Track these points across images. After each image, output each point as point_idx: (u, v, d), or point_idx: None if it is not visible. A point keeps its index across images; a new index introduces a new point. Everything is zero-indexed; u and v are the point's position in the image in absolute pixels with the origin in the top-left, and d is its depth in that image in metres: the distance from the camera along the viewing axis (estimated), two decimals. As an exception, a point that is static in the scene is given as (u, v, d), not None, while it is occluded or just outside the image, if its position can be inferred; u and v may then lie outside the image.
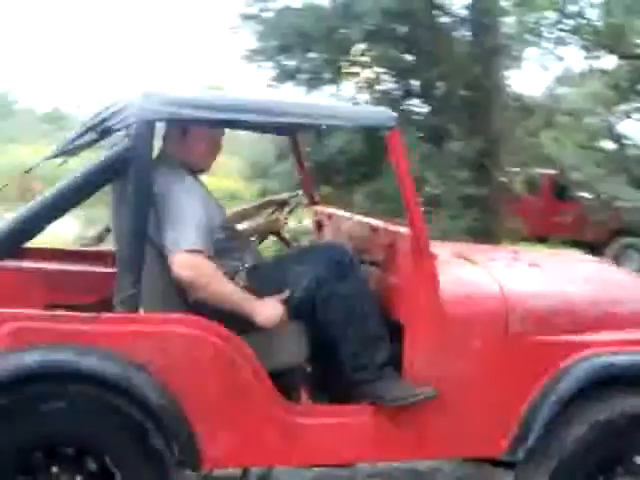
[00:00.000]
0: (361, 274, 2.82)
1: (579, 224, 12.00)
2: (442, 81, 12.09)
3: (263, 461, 2.85)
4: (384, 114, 2.75)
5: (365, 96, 12.43)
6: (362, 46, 12.14)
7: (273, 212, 3.53)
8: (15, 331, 2.52)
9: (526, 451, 2.75)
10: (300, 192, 3.64)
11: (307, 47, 11.79)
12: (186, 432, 2.60)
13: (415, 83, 12.40)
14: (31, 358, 2.49)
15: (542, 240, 11.99)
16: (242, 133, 4.21)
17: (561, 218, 12.02)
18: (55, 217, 2.69)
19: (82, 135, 2.89)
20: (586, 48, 11.77)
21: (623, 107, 11.69)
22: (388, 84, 12.53)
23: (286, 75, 12.17)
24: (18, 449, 2.55)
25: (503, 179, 12.42)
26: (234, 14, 12.23)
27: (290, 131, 3.57)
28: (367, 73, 12.55)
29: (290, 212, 3.49)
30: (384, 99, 12.07)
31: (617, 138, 11.86)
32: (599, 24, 11.54)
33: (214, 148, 3.00)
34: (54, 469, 2.61)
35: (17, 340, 2.51)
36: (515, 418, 2.77)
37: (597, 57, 11.64)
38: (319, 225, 3.66)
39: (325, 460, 2.84)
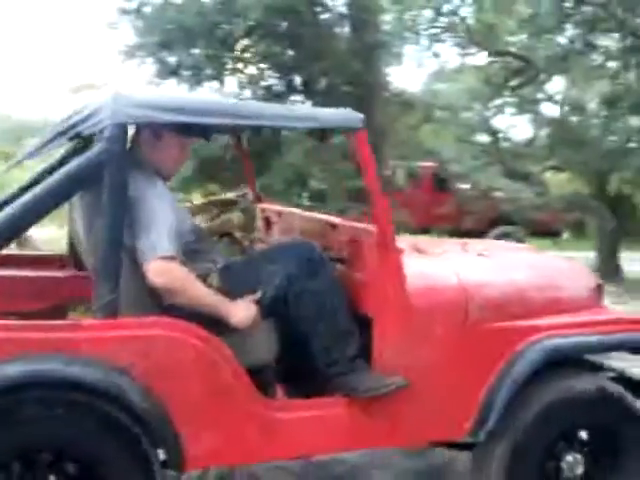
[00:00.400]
0: (330, 270, 2.95)
1: (459, 214, 12.58)
2: (324, 76, 12.35)
3: (244, 458, 2.91)
4: (352, 116, 2.88)
5: (248, 92, 12.56)
6: (245, 42, 12.25)
7: (221, 212, 3.58)
8: None
9: (487, 433, 2.96)
10: (247, 191, 3.71)
11: (189, 43, 11.72)
12: (171, 434, 2.64)
13: (298, 79, 12.60)
14: (14, 369, 2.47)
15: (425, 231, 12.50)
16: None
17: (442, 209, 12.55)
18: (30, 224, 2.66)
19: (52, 140, 2.85)
20: (460, 45, 12.34)
21: (497, 102, 12.31)
22: (271, 80, 12.69)
23: (168, 71, 12.08)
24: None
25: (387, 172, 12.85)
26: (112, 9, 12.05)
27: (236, 132, 3.64)
28: (250, 69, 12.68)
29: (242, 211, 3.56)
30: (267, 95, 12.21)
31: (492, 132, 12.49)
32: (472, 22, 12.13)
33: (184, 155, 3.03)
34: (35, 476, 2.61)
35: (-1, 351, 2.49)
36: (476, 401, 2.97)
37: (471, 54, 12.21)
38: (267, 222, 3.75)
39: (304, 452, 2.96)
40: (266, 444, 2.79)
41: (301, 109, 3.22)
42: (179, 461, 2.68)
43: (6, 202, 3.03)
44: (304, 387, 2.98)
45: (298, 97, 12.79)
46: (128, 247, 2.73)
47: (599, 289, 3.32)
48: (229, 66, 12.32)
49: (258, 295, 2.86)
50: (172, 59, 11.99)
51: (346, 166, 11.14)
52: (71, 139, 2.81)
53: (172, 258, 2.70)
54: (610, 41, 11.45)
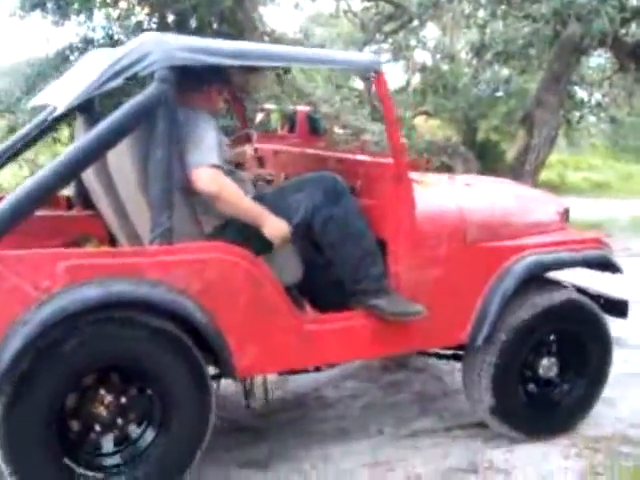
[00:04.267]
0: (352, 198, 3.39)
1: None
2: (195, 13, 12.40)
3: (284, 366, 3.37)
4: (372, 59, 3.32)
5: (117, 28, 12.42)
6: (114, -24, 12.07)
7: (235, 146, 3.94)
8: (71, 268, 2.78)
9: (484, 338, 3.54)
10: (252, 131, 4.08)
11: (53, -27, 11.43)
12: (222, 346, 3.04)
13: (171, 16, 12.58)
14: (93, 291, 2.78)
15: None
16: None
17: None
18: (97, 157, 2.94)
19: (108, 80, 3.05)
20: (335, -11, 12.84)
21: (372, 48, 12.93)
22: (142, 16, 12.60)
23: (32, 4, 11.73)
24: (74, 373, 2.85)
25: (260, 115, 13.18)
26: None
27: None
28: (121, 4, 12.52)
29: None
30: (138, 31, 12.12)
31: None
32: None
33: (221, 95, 3.41)
34: (102, 390, 2.95)
35: (74, 276, 2.77)
36: (473, 311, 3.55)
37: (346, -1, 12.73)
38: (261, 161, 4.11)
39: (333, 360, 3.46)
40: (302, 353, 3.25)
41: (326, 52, 3.59)
42: (231, 370, 3.08)
43: None
44: (330, 303, 3.42)
45: (170, 34, 12.74)
46: (179, 180, 3.06)
47: (565, 213, 3.97)
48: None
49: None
50: (37, -9, 11.64)
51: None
52: (127, 80, 3.05)
53: (219, 167, 3.08)
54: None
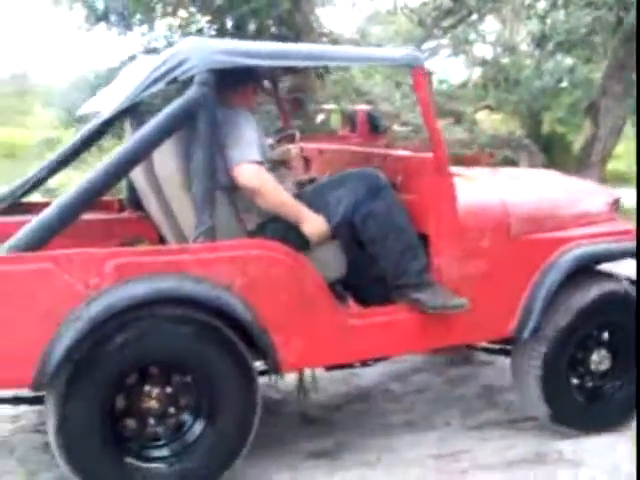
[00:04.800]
0: (393, 193, 3.45)
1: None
2: (254, 18, 12.61)
3: (328, 361, 3.45)
4: (412, 53, 3.38)
5: (178, 37, 12.70)
6: (174, -14, 12.36)
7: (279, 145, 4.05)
8: (119, 266, 2.91)
9: (530, 331, 3.55)
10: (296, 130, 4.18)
11: (117, -13, 11.77)
12: (267, 341, 3.13)
13: (229, 21, 12.81)
14: (140, 288, 2.91)
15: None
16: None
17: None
18: (143, 157, 3.09)
19: (150, 85, 3.20)
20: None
21: (432, 43, 12.91)
22: (201, 23, 12.88)
23: (97, 17, 12.12)
24: (123, 367, 2.98)
25: (321, 116, 13.28)
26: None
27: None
28: (181, 13, 12.81)
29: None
30: (199, 39, 12.35)
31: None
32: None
33: (257, 95, 3.54)
34: (147, 387, 3.07)
35: (121, 274, 2.91)
36: (519, 305, 3.57)
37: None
38: (306, 161, 4.20)
39: (377, 354, 3.52)
40: (346, 348, 3.32)
41: (363, 50, 3.67)
42: (276, 365, 3.17)
43: None
44: (374, 299, 3.48)
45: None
46: (221, 179, 3.16)
47: (615, 203, 3.95)
48: (159, 10, 12.43)
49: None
50: (100, 4, 12.01)
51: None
52: (168, 84, 3.19)
53: (260, 163, 3.19)
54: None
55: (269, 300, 3.13)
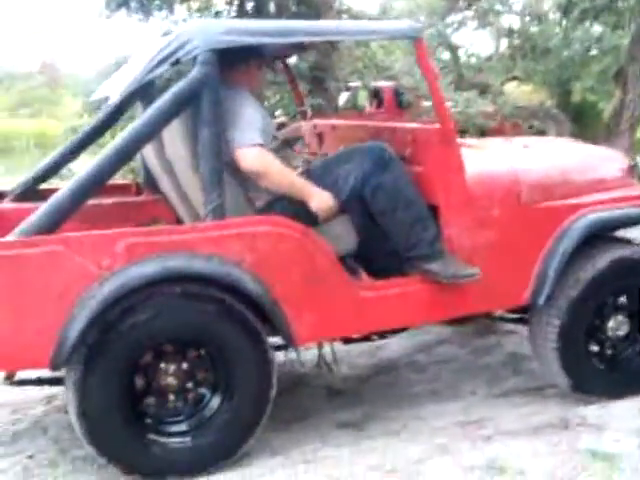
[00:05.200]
0: (401, 165, 3.47)
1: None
2: (273, -2, 12.58)
3: (342, 333, 3.51)
4: (410, 25, 3.40)
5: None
6: (193, -31, 12.37)
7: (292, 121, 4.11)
8: (130, 246, 2.99)
9: (545, 298, 3.56)
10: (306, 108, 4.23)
11: (135, -27, 11.82)
12: (279, 315, 3.19)
13: (249, 3, 12.83)
14: (149, 267, 2.98)
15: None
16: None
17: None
18: (149, 139, 3.15)
19: (156, 67, 3.25)
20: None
21: (458, 16, 12.79)
22: (222, 5, 12.91)
23: (117, 3, 12.19)
24: (139, 344, 3.06)
25: (346, 94, 13.25)
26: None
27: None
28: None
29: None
30: (219, 21, 12.38)
31: (452, 47, 12.95)
32: None
33: (262, 74, 3.60)
34: (163, 364, 3.15)
35: (132, 254, 2.98)
36: (532, 272, 3.58)
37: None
38: (320, 137, 4.24)
39: (391, 325, 3.57)
40: (359, 320, 3.37)
41: (366, 23, 3.70)
42: (290, 339, 3.23)
43: None
44: (385, 270, 3.52)
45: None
46: (227, 158, 3.21)
47: (631, 169, 3.93)
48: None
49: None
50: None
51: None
52: (173, 65, 3.25)
53: (261, 145, 3.23)
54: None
55: (280, 275, 3.19)
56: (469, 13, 12.77)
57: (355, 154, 3.49)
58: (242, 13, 12.98)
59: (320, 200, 3.35)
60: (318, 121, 4.29)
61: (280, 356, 3.86)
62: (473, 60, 12.98)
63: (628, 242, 3.81)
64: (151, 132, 3.14)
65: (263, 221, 3.21)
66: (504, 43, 13.49)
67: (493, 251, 3.52)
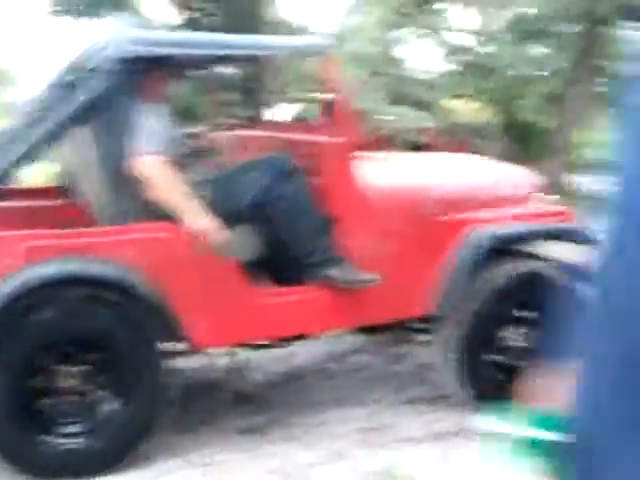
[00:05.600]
0: (302, 177, 3.57)
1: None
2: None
3: (239, 339, 3.58)
4: (317, 42, 3.51)
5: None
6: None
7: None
8: (31, 249, 3.06)
9: (449, 307, 3.67)
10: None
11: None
12: (175, 320, 3.26)
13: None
14: (48, 269, 3.06)
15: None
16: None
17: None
18: (50, 146, 3.22)
19: (74, 72, 3.31)
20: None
21: (409, 29, 12.96)
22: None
23: (63, 5, 12.13)
24: (35, 343, 3.11)
25: (292, 106, 13.27)
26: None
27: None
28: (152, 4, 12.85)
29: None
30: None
31: (395, 63, 13.12)
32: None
33: (168, 84, 3.64)
34: (60, 366, 3.19)
35: (34, 256, 3.06)
36: (431, 284, 3.68)
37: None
38: (233, 148, 4.31)
39: (289, 332, 3.65)
40: (257, 326, 3.46)
41: (278, 39, 3.81)
42: (186, 342, 3.31)
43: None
44: (287, 277, 3.60)
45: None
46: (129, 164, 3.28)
47: (535, 187, 4.05)
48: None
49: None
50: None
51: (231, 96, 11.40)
52: (91, 71, 3.30)
53: (158, 155, 3.26)
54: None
55: (175, 280, 3.25)
56: (419, 31, 12.96)
57: (259, 165, 3.58)
58: (190, 23, 13.03)
59: (193, 221, 3.28)
60: (232, 132, 4.37)
61: (193, 361, 3.93)
62: (422, 76, 13.15)
63: (532, 256, 3.92)
64: (51, 138, 3.21)
65: (160, 227, 3.28)
66: (452, 60, 13.65)
67: (394, 261, 3.62)
